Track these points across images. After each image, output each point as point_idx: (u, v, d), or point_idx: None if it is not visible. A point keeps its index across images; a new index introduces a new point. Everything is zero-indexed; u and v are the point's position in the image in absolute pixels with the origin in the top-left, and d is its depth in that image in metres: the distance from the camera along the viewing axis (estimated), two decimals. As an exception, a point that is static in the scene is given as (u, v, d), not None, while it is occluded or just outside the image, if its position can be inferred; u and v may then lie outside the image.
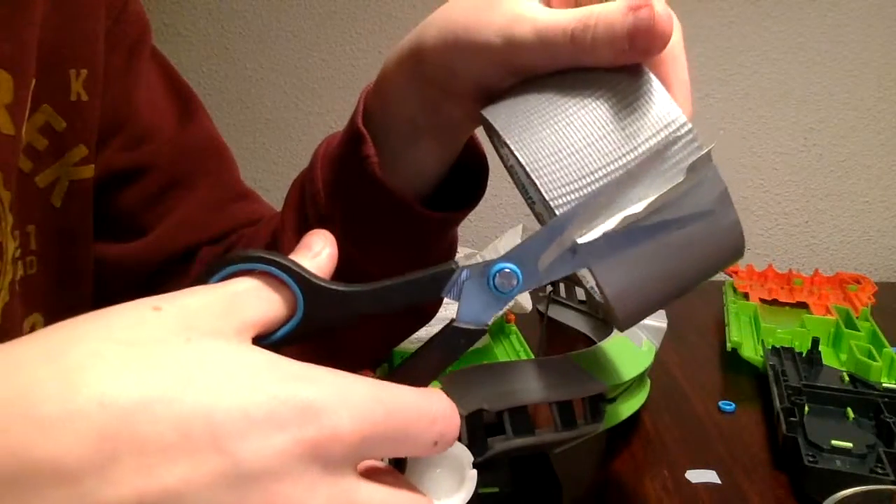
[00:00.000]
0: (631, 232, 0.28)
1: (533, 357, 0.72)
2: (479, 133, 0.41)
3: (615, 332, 0.59)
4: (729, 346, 0.74)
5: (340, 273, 0.30)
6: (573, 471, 0.55)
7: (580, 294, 0.88)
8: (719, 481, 0.55)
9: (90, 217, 0.46)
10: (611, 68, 0.30)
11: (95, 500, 0.20)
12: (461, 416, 0.43)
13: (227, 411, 0.21)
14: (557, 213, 0.28)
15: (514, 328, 0.78)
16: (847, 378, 0.63)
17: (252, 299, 0.25)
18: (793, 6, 1.06)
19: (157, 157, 0.49)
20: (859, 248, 1.14)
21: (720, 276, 0.98)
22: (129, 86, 0.47)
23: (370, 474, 0.24)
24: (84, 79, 0.42)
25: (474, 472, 0.27)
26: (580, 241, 0.28)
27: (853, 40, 1.06)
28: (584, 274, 0.37)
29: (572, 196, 0.29)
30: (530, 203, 0.38)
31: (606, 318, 0.37)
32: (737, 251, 0.31)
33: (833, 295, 0.90)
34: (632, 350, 0.58)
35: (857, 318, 0.80)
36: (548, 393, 0.46)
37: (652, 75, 0.30)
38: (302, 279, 0.26)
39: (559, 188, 0.29)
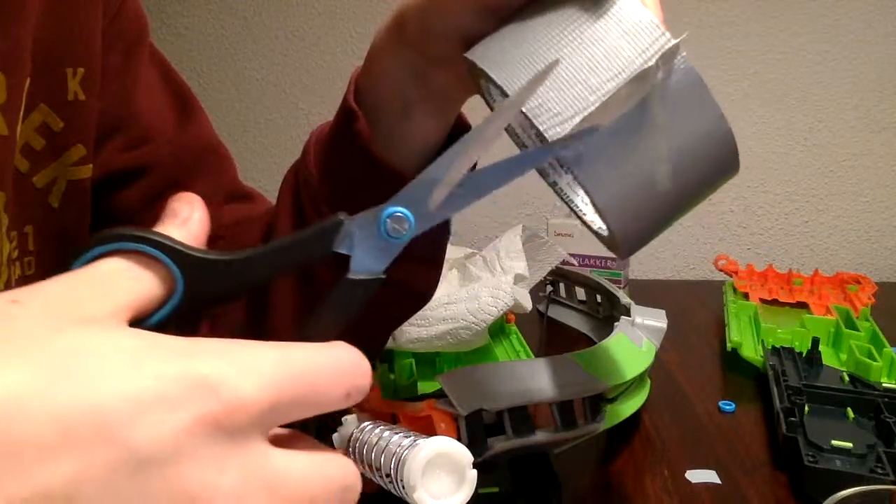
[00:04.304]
0: (614, 131, 0.28)
1: (533, 357, 0.72)
2: (469, 113, 0.41)
3: (615, 332, 0.59)
4: (729, 346, 0.74)
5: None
6: (573, 471, 0.55)
7: (580, 294, 0.88)
8: (719, 481, 0.55)
9: (88, 217, 0.45)
10: None
11: None
12: (461, 417, 0.43)
13: (111, 398, 0.19)
14: (528, 114, 0.28)
15: (514, 328, 0.78)
16: (847, 378, 0.63)
17: (122, 280, 0.23)
18: (793, 6, 1.06)
19: (157, 157, 0.48)
20: (859, 248, 1.14)
21: (720, 276, 0.98)
22: (127, 85, 0.47)
23: (280, 442, 0.23)
24: (81, 78, 0.42)
25: (474, 472, 0.27)
26: (548, 132, 0.28)
27: (853, 40, 1.06)
28: (569, 191, 0.36)
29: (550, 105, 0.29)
30: (519, 143, 0.38)
31: (608, 247, 0.36)
32: (728, 154, 0.30)
33: (833, 295, 0.90)
34: (632, 350, 0.58)
35: (857, 318, 0.80)
36: (548, 393, 0.46)
37: None
38: (175, 252, 0.24)
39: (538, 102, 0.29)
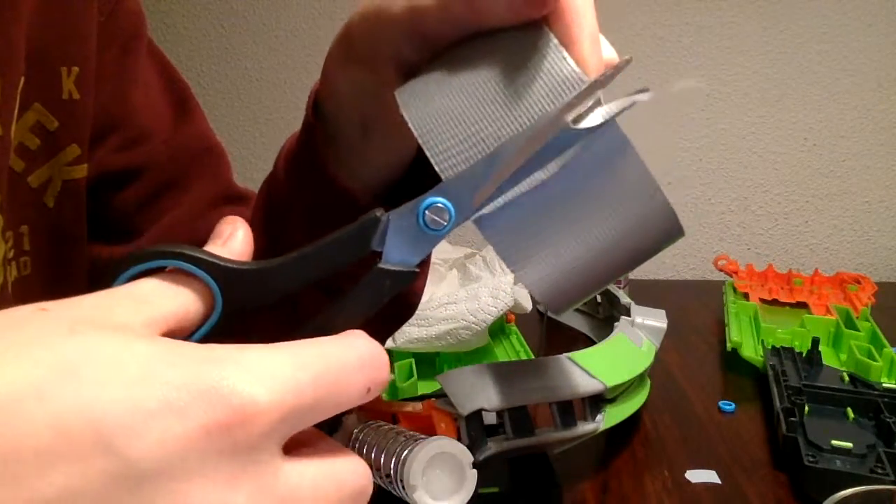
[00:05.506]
0: (531, 200, 0.26)
1: (533, 357, 0.72)
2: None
3: (615, 332, 0.59)
4: (729, 346, 0.74)
5: None
6: (573, 471, 0.55)
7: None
8: (719, 481, 0.55)
9: (84, 217, 0.45)
10: (511, 29, 0.29)
11: None
12: (461, 417, 0.43)
13: (113, 404, 0.18)
14: (443, 177, 0.27)
15: (514, 328, 0.78)
16: (847, 378, 0.63)
17: (159, 297, 0.23)
18: (793, 6, 1.06)
19: (153, 158, 0.48)
20: (859, 248, 1.14)
21: (720, 276, 0.98)
22: (123, 84, 0.46)
23: (294, 447, 0.21)
24: (76, 77, 0.42)
25: (474, 472, 0.27)
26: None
27: (853, 40, 1.06)
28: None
29: (460, 162, 0.27)
30: None
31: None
32: (665, 224, 0.27)
33: (833, 295, 0.90)
34: (632, 350, 0.58)
35: (857, 318, 0.80)
36: (548, 393, 0.46)
37: (547, 31, 0.28)
38: (212, 266, 0.24)
39: (447, 155, 0.27)
